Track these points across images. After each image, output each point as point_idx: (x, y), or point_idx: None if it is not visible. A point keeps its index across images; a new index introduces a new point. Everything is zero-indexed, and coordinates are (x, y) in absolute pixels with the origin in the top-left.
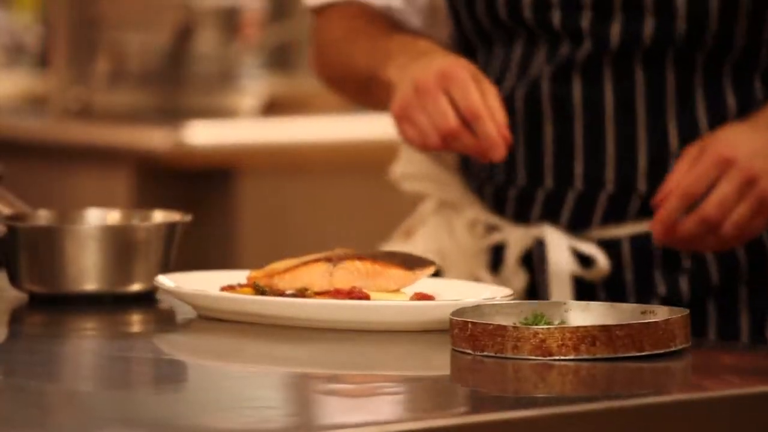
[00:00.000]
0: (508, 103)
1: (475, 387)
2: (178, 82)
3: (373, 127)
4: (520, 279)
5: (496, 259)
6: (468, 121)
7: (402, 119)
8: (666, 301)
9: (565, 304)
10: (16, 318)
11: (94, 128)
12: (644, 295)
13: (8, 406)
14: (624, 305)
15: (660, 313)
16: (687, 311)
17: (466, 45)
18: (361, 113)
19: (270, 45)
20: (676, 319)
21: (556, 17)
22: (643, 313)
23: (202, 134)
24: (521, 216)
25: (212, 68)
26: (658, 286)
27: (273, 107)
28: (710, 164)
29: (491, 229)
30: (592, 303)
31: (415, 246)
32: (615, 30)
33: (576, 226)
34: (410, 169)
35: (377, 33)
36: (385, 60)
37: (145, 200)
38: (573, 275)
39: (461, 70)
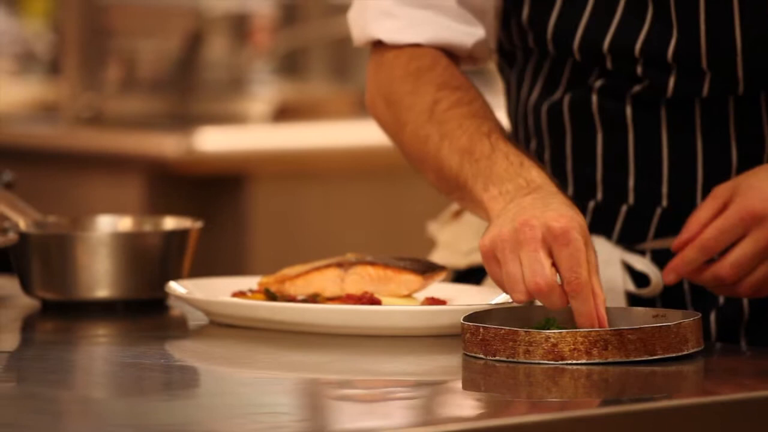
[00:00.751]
0: (555, 111)
1: (488, 392)
2: (188, 88)
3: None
4: None
5: None
6: (566, 291)
7: (491, 259)
8: (725, 313)
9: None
10: (28, 325)
11: (105, 135)
12: (702, 306)
13: (21, 413)
14: (637, 309)
15: (672, 317)
16: (699, 315)
17: (507, 47)
18: (369, 119)
19: (280, 51)
20: (688, 323)
21: (608, 61)
22: (656, 317)
23: (213, 140)
24: None
25: (223, 75)
26: (718, 297)
27: (283, 113)
28: (737, 219)
29: None
30: (606, 308)
31: (465, 228)
32: (671, 82)
33: (629, 239)
34: None
35: (474, 129)
36: (484, 177)
37: (157, 207)
38: (627, 291)
39: (575, 234)
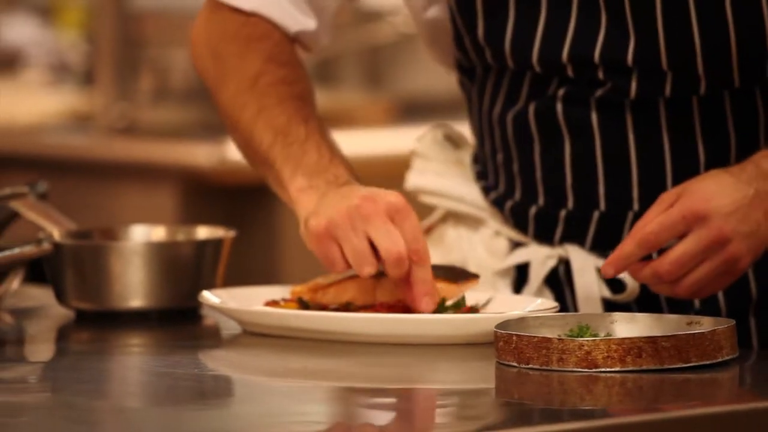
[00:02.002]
0: (521, 121)
1: (521, 400)
2: None
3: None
4: (548, 299)
5: (519, 277)
6: (413, 260)
7: (327, 239)
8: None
9: (610, 315)
10: (62, 335)
11: (138, 145)
12: (679, 311)
13: (56, 423)
14: (670, 316)
15: (706, 324)
16: (733, 322)
17: (466, 64)
18: (402, 126)
19: (312, 59)
20: (722, 329)
21: (569, 69)
22: (689, 324)
23: None
24: (543, 235)
25: None
26: (693, 301)
27: None
28: (678, 216)
29: (514, 245)
30: (638, 314)
31: (433, 243)
32: (633, 84)
33: (602, 247)
34: (422, 182)
35: (293, 112)
36: (294, 164)
37: (190, 216)
38: (603, 298)
39: (411, 208)
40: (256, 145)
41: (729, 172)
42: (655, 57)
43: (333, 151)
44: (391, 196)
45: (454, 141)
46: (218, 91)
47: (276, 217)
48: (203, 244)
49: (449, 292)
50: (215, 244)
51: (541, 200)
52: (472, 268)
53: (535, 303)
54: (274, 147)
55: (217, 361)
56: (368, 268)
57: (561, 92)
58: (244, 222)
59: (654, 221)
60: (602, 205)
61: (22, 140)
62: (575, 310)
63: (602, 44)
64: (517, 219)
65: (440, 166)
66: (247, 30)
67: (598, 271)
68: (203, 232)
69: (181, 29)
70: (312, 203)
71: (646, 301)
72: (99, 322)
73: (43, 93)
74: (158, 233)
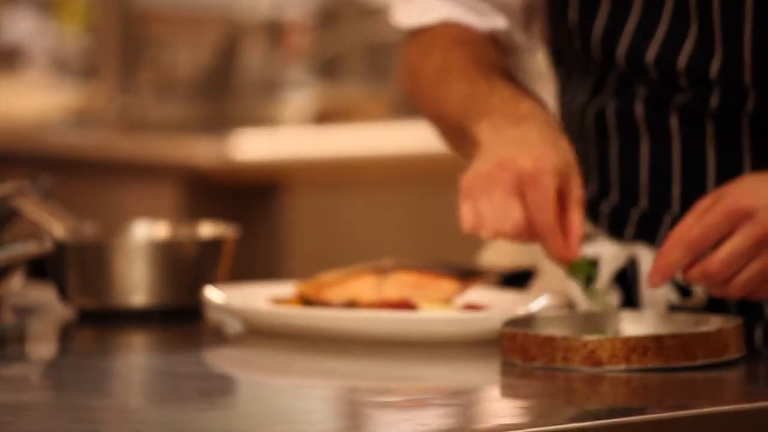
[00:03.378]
0: (601, 117)
1: (526, 399)
2: (225, 93)
3: (422, 137)
4: (613, 297)
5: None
6: (535, 232)
7: (467, 197)
8: None
9: (618, 314)
10: (65, 333)
11: (141, 141)
12: (749, 318)
13: (58, 422)
14: (678, 315)
15: (713, 323)
16: (740, 320)
17: (557, 46)
18: (409, 123)
19: (316, 55)
20: (728, 328)
21: (652, 71)
22: (697, 322)
23: (250, 146)
24: (615, 232)
25: (259, 79)
26: (764, 308)
27: (320, 118)
28: (723, 214)
29: (586, 237)
30: (645, 312)
31: (507, 252)
32: (715, 97)
33: None
34: None
35: (477, 75)
36: (480, 114)
37: (193, 213)
38: (669, 303)
39: (546, 177)
40: (452, 124)
41: None
42: (739, 74)
43: (516, 88)
44: (526, 162)
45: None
46: (419, 101)
47: (280, 215)
48: (206, 242)
49: (453, 289)
50: (219, 241)
51: (615, 196)
52: (546, 263)
53: (541, 301)
54: (465, 114)
55: (220, 360)
56: (485, 232)
57: (643, 93)
58: (248, 219)
59: (698, 223)
60: (675, 208)
61: (23, 136)
62: None
63: (688, 54)
64: (590, 211)
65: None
66: (428, 38)
67: None
68: (206, 230)
69: (184, 24)
70: (486, 142)
71: (715, 307)
72: (101, 320)
73: (45, 89)
74: (161, 231)
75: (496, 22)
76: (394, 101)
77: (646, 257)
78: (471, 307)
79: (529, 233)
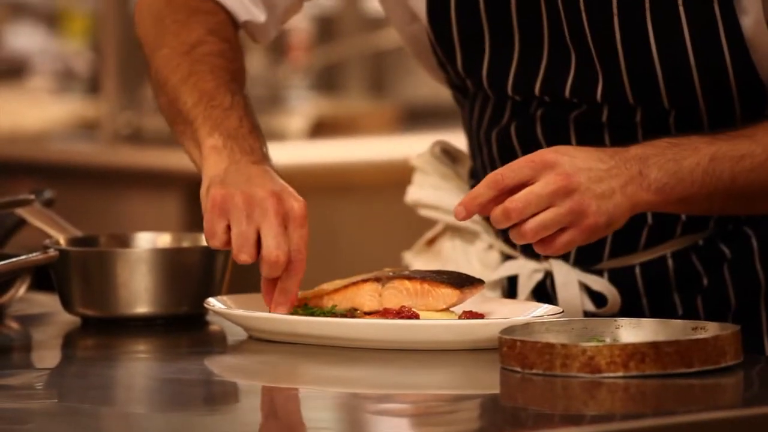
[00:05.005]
0: (504, 137)
1: (525, 405)
2: None
3: (421, 147)
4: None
5: (510, 288)
6: (289, 268)
7: (219, 210)
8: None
9: (615, 321)
10: (69, 342)
11: (144, 152)
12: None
13: (62, 430)
14: (675, 321)
15: (710, 330)
16: (738, 327)
17: (456, 82)
18: (406, 133)
19: (317, 66)
20: (726, 335)
21: (545, 98)
22: (694, 329)
23: None
24: (530, 250)
25: (260, 90)
26: (677, 309)
27: (321, 128)
28: (527, 161)
29: (505, 258)
30: (643, 320)
31: (437, 256)
32: (605, 113)
33: (585, 261)
34: (422, 195)
35: (224, 76)
36: (214, 125)
37: (195, 223)
38: (585, 311)
39: (307, 218)
40: (180, 105)
41: (597, 147)
42: (622, 94)
43: (254, 126)
44: (296, 202)
45: (452, 155)
46: (153, 53)
47: None
48: (209, 251)
49: (453, 297)
50: (221, 250)
51: None
52: None
53: (540, 309)
54: (197, 106)
55: (223, 367)
56: (244, 257)
57: (539, 113)
58: None
59: (502, 167)
60: None
61: (28, 147)
62: None
63: (572, 83)
64: (505, 234)
65: (438, 180)
66: (194, 3)
67: (581, 284)
68: None
69: None
70: (221, 167)
71: (629, 314)
72: (105, 328)
73: (49, 101)
74: (164, 240)
75: (259, 15)
76: (394, 113)
77: (559, 269)
78: (470, 314)
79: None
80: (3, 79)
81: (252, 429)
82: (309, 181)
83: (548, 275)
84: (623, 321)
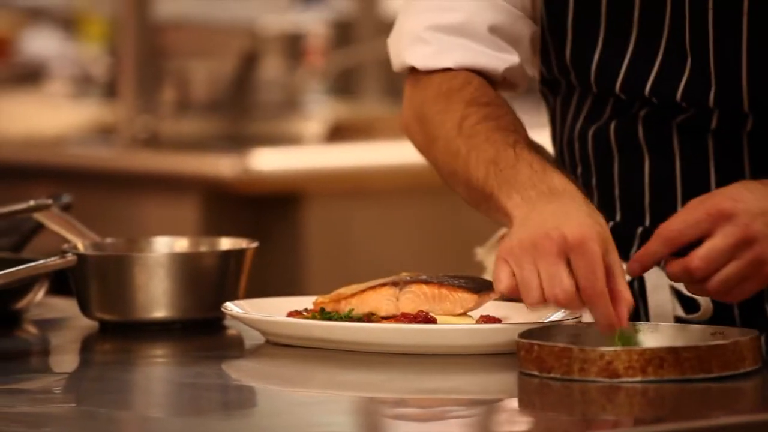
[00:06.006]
0: (602, 136)
1: (543, 410)
2: (243, 109)
3: None
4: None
5: None
6: (583, 298)
7: (504, 263)
8: None
9: (635, 325)
10: (86, 346)
11: (161, 156)
12: (756, 327)
13: None
14: (694, 326)
15: (730, 335)
16: (756, 332)
17: (550, 77)
18: None
19: (334, 71)
20: (744, 341)
21: (652, 100)
22: (713, 334)
23: (268, 161)
24: (620, 251)
25: (277, 95)
26: None
27: (338, 133)
28: (704, 213)
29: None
30: (662, 324)
31: None
32: (714, 119)
33: None
34: None
35: (500, 141)
36: (510, 187)
37: (213, 227)
38: (676, 317)
39: (591, 244)
40: (474, 185)
41: (759, 182)
42: (737, 101)
43: (545, 164)
44: (572, 233)
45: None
46: (429, 152)
47: (298, 228)
48: (226, 255)
49: (470, 302)
50: (238, 254)
51: (618, 216)
52: None
53: (558, 313)
54: (488, 179)
55: (240, 372)
56: (531, 301)
57: (642, 113)
58: (266, 233)
59: (677, 219)
60: None
61: (45, 152)
62: None
63: (684, 86)
64: None
65: None
66: (446, 85)
67: (673, 289)
68: (226, 243)
69: (203, 40)
70: (522, 216)
71: (720, 321)
72: (123, 332)
73: (67, 105)
74: (181, 244)
75: (512, 57)
76: None
77: (651, 273)
78: (488, 319)
79: (577, 300)
80: (21, 84)
81: None
82: (326, 186)
83: (636, 278)
84: (642, 325)
